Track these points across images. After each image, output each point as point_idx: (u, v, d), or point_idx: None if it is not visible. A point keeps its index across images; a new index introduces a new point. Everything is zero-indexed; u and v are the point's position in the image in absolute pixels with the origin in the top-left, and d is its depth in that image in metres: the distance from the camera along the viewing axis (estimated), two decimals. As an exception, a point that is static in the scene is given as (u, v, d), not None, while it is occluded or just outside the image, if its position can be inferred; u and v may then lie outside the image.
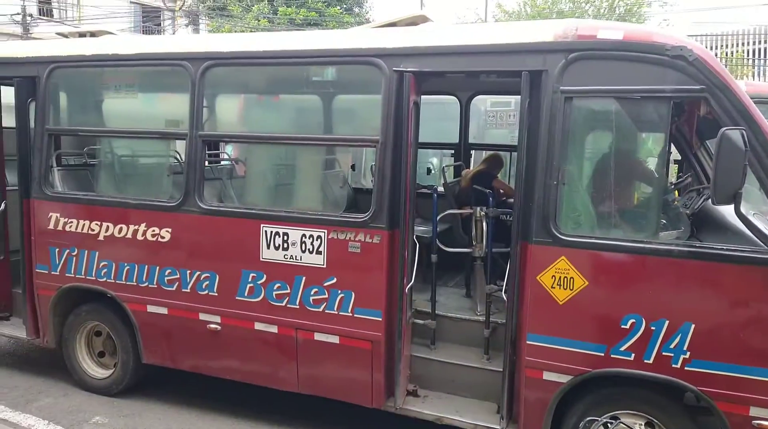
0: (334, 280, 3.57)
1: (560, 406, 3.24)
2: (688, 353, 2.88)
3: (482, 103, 7.32)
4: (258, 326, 3.81)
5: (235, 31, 17.14)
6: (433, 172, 6.45)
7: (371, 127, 3.61)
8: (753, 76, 17.66)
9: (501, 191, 4.97)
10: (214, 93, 4.37)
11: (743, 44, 18.39)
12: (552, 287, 3.14)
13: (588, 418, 2.46)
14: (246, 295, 3.81)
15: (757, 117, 2.76)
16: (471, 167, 5.62)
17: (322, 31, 4.99)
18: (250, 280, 3.79)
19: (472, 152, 5.95)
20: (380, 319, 3.51)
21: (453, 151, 5.69)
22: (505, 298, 3.41)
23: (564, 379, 3.17)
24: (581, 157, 3.25)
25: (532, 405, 3.27)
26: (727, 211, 2.90)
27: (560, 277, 3.11)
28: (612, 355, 3.04)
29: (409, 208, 3.45)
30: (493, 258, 3.94)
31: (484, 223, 3.86)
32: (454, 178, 5.41)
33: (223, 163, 5.70)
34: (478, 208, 3.91)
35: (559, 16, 18.13)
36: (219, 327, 3.91)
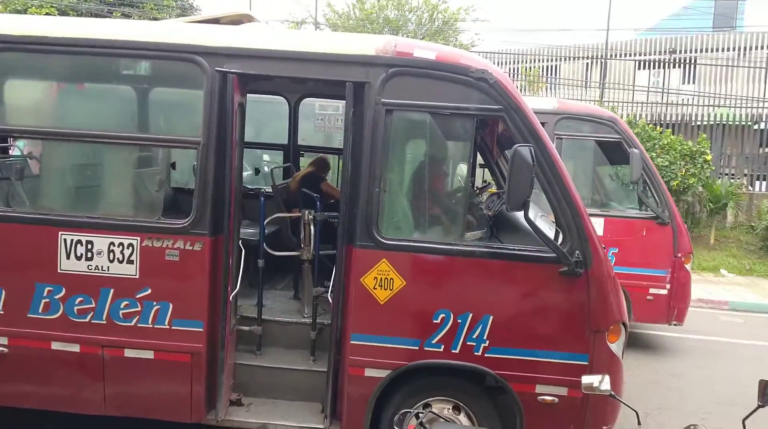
0: (149, 291, 3.36)
1: (380, 400, 3.45)
2: (488, 342, 3.28)
3: (314, 105, 7.43)
4: (55, 346, 3.43)
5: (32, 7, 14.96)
6: (267, 171, 6.36)
7: (192, 128, 3.47)
8: (547, 90, 20.44)
9: (329, 194, 5.11)
10: (3, 80, 3.82)
11: (539, 61, 21.20)
12: (374, 288, 3.33)
13: (402, 411, 2.69)
14: (40, 311, 3.41)
15: (543, 135, 3.24)
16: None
17: (140, 22, 4.60)
18: (45, 294, 3.40)
19: (303, 154, 6.02)
20: (201, 330, 3.39)
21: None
22: (330, 299, 3.53)
23: (383, 374, 3.38)
24: (400, 166, 3.50)
25: (355, 401, 3.43)
26: (521, 215, 3.37)
27: (381, 279, 3.31)
28: (425, 348, 3.33)
29: (234, 212, 3.39)
30: (321, 260, 4.05)
31: (312, 227, 3.95)
32: (283, 179, 5.42)
33: (11, 159, 4.98)
34: (306, 211, 3.99)
35: (386, 22, 19.06)
36: (5, 349, 3.46)
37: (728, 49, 17.58)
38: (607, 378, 2.31)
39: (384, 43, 3.33)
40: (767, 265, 12.21)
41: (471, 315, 3.28)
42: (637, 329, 6.80)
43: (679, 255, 6.31)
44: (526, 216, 3.07)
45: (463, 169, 3.50)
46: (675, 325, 6.50)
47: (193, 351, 3.39)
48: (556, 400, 3.28)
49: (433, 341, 3.32)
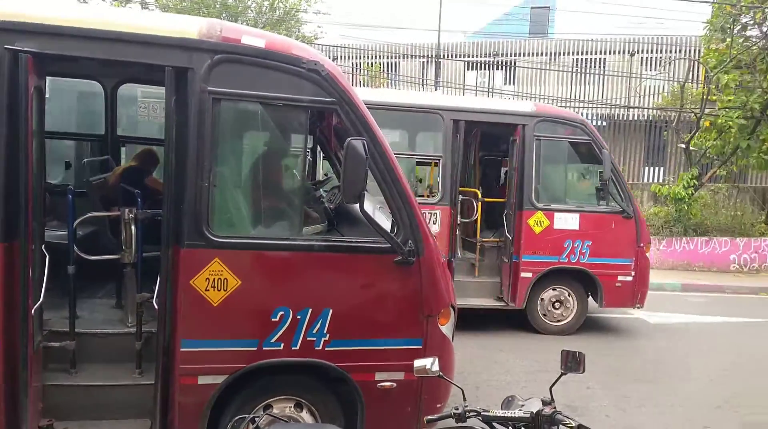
0: None
1: (219, 408, 3.27)
2: (328, 335, 3.26)
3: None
4: None
5: None
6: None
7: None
8: (387, 85, 21.17)
9: (156, 190, 4.70)
10: None
11: (380, 57, 21.87)
12: (206, 290, 3.12)
13: (237, 417, 2.56)
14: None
15: (375, 129, 3.29)
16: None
17: None
18: None
19: (124, 145, 5.47)
20: None
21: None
22: (156, 305, 3.24)
23: (219, 380, 3.20)
24: (231, 159, 3.33)
25: (188, 413, 3.20)
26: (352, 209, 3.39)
27: (214, 279, 3.12)
28: (264, 348, 3.22)
29: (32, 213, 2.94)
30: (147, 263, 3.70)
31: (133, 226, 3.59)
32: (102, 173, 4.87)
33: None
34: (126, 210, 3.61)
35: (223, 8, 18.21)
36: None
37: (542, 54, 19.71)
38: (436, 360, 2.40)
39: (208, 26, 3.11)
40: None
41: (311, 310, 3.23)
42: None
43: (641, 244, 7.04)
44: (361, 208, 3.09)
45: (298, 162, 3.42)
46: (638, 307, 7.26)
47: None
48: (394, 385, 3.38)
49: (272, 340, 3.22)
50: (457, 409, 2.22)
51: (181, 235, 3.09)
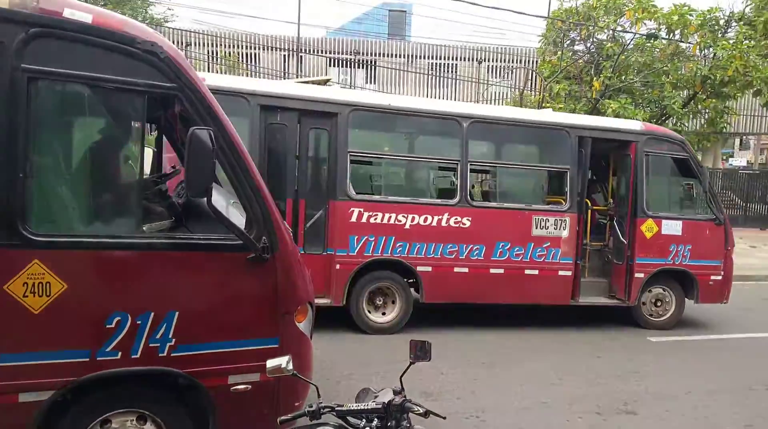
0: None
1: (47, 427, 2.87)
2: (174, 340, 3.00)
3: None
4: None
5: None
6: None
7: None
8: (247, 76, 20.43)
9: None
10: None
11: (238, 47, 21.02)
12: (24, 296, 2.71)
13: None
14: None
15: (222, 117, 3.08)
16: None
17: None
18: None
19: None
20: None
21: None
22: None
23: (44, 396, 2.81)
24: (53, 147, 2.91)
25: None
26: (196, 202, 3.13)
27: (34, 283, 2.72)
28: (98, 358, 2.88)
29: None
30: None
31: None
32: None
33: None
34: None
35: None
36: None
37: (400, 56, 20.36)
38: (290, 358, 2.35)
39: None
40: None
41: (153, 314, 2.94)
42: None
43: (728, 248, 8.03)
44: (209, 203, 2.88)
45: (135, 151, 3.09)
46: (724, 303, 8.15)
47: None
48: (250, 387, 3.20)
49: (108, 349, 2.89)
50: (311, 407, 2.20)
51: None
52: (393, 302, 7.01)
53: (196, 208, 3.54)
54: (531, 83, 18.83)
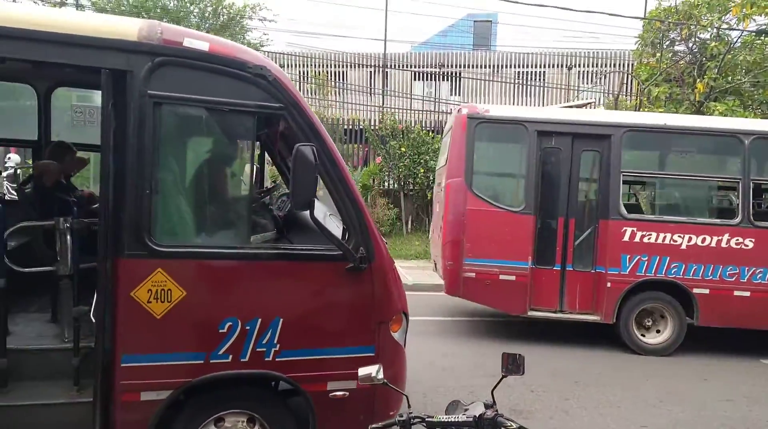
0: None
1: (164, 424, 3.14)
2: (278, 346, 3.19)
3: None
4: None
5: None
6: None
7: None
8: (334, 94, 21.15)
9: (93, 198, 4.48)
10: None
11: (326, 66, 21.83)
12: (148, 302, 3.00)
13: None
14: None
15: (324, 134, 3.26)
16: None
17: None
18: None
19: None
20: None
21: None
22: (94, 319, 3.08)
23: (163, 395, 3.08)
24: (174, 165, 3.20)
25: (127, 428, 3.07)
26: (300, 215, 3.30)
27: (157, 290, 3.00)
28: (211, 361, 3.12)
29: None
30: (84, 275, 3.52)
31: (69, 236, 3.40)
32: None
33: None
34: (61, 219, 3.42)
35: (164, 12, 17.72)
36: None
37: (485, 66, 20.23)
38: (381, 368, 2.39)
39: (148, 27, 3.01)
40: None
41: (260, 320, 3.15)
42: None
43: None
44: (311, 215, 3.05)
45: (245, 168, 3.33)
46: None
47: None
48: (347, 394, 3.33)
49: (220, 352, 3.12)
50: (402, 417, 2.21)
51: (121, 245, 2.97)
52: (662, 320, 7.04)
53: (295, 221, 3.75)
54: (626, 87, 18.01)
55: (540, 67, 20.08)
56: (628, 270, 6.74)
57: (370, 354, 3.35)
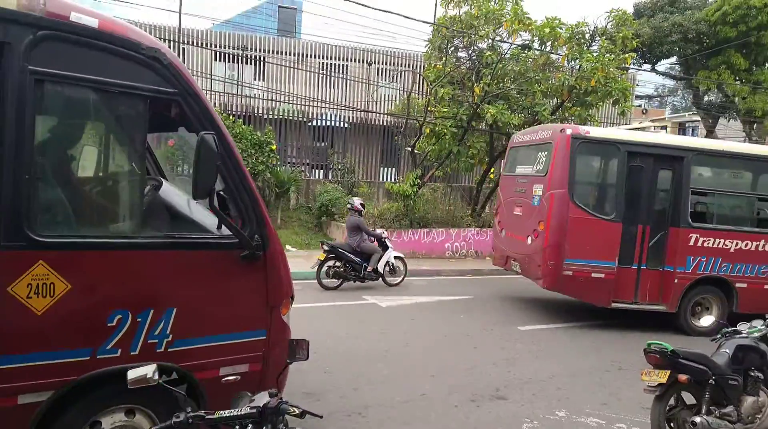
0: None
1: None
2: (171, 336, 3.24)
3: None
4: None
5: None
6: None
7: None
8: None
9: None
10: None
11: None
12: (28, 297, 2.83)
13: None
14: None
15: (219, 122, 3.36)
16: None
17: None
18: None
19: None
20: None
21: None
22: None
23: (43, 397, 2.94)
24: (58, 149, 3.03)
25: None
26: (180, 202, 3.32)
27: (38, 285, 2.84)
28: (99, 357, 3.06)
29: None
30: None
31: None
32: None
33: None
34: None
35: None
36: None
37: (290, 54, 20.47)
38: (156, 368, 2.41)
39: None
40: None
41: (152, 311, 3.17)
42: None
43: None
44: (211, 204, 3.16)
45: (136, 154, 3.24)
46: None
47: None
48: (239, 378, 3.52)
49: (108, 347, 3.07)
50: (179, 417, 2.18)
51: None
52: (707, 309, 8.84)
53: (167, 209, 3.73)
54: (418, 86, 19.97)
55: (343, 60, 21.04)
56: (691, 268, 8.56)
57: (262, 337, 3.58)
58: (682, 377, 4.35)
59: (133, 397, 3.25)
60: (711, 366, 4.47)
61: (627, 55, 16.07)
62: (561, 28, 15.27)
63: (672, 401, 4.58)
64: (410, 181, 14.85)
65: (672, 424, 4.57)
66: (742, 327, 5.01)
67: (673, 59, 27.62)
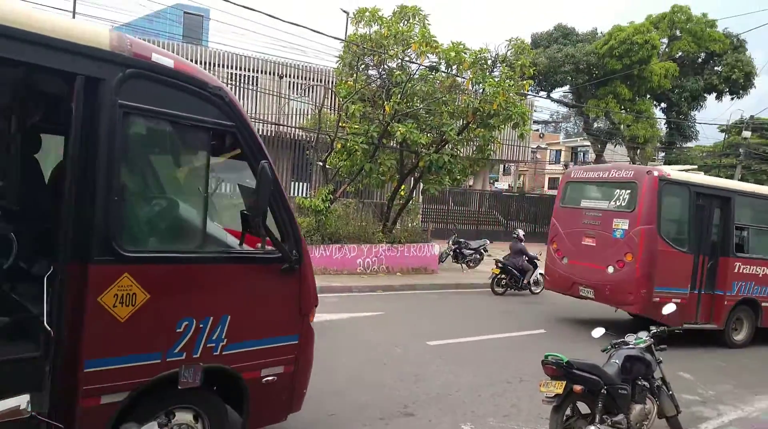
0: None
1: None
2: (225, 340, 3.89)
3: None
4: None
5: None
6: None
7: None
8: None
9: None
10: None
11: None
12: (114, 306, 3.37)
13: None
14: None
15: (266, 151, 4.06)
16: None
17: None
18: None
19: None
20: None
21: None
22: (50, 329, 3.24)
23: (122, 396, 3.48)
24: (140, 174, 3.59)
25: None
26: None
27: (123, 295, 3.40)
28: (168, 359, 3.65)
29: None
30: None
31: None
32: None
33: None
34: None
35: None
36: None
37: (198, 62, 20.39)
38: (29, 399, 2.96)
39: (118, 38, 3.41)
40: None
41: (212, 318, 3.80)
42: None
43: None
44: (264, 223, 3.87)
45: (201, 178, 3.84)
46: None
47: None
48: (276, 378, 4.22)
49: (176, 350, 3.67)
50: None
51: (88, 251, 3.27)
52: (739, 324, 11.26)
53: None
54: (330, 101, 20.82)
55: (253, 71, 21.36)
56: (735, 292, 10.84)
57: (295, 342, 4.32)
58: (577, 387, 4.75)
59: (191, 398, 3.88)
60: (603, 376, 4.92)
61: (525, 82, 18.05)
62: (465, 53, 16.78)
63: (568, 411, 4.98)
64: (322, 196, 15.50)
65: None
66: (630, 338, 5.60)
67: (566, 88, 31.32)
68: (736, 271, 10.98)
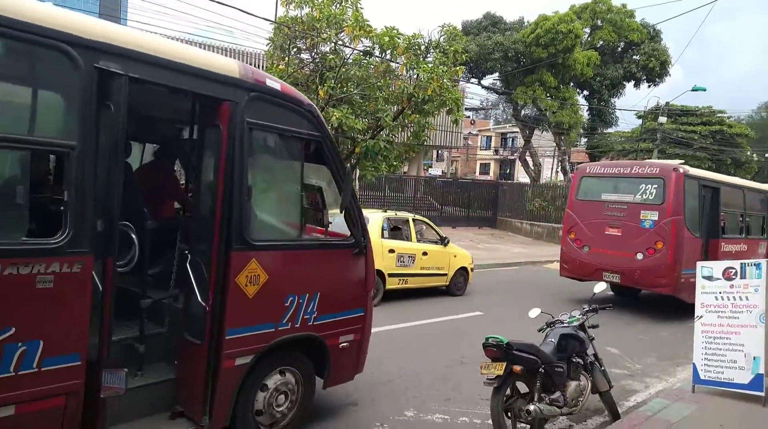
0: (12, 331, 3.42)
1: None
2: (316, 313, 5.22)
3: None
4: None
5: None
6: None
7: (59, 128, 3.73)
8: None
9: None
10: None
11: None
12: (245, 286, 4.63)
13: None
14: None
15: (341, 159, 5.42)
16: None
17: None
18: None
19: None
20: (79, 363, 3.72)
21: None
22: (204, 304, 4.47)
23: (248, 359, 4.75)
24: (260, 178, 4.86)
25: (224, 390, 4.60)
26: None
27: (251, 276, 4.66)
28: (279, 328, 4.94)
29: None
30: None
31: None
32: None
33: None
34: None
35: None
36: None
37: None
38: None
39: (242, 67, 4.64)
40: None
41: (308, 295, 5.13)
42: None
43: None
44: (346, 215, 5.29)
45: (300, 180, 5.11)
46: None
47: (69, 390, 3.72)
48: (348, 345, 5.63)
49: (284, 321, 4.97)
50: None
51: (230, 242, 4.52)
52: None
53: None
54: (261, 87, 21.40)
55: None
56: None
57: (362, 313, 5.75)
58: (517, 368, 5.17)
59: (290, 360, 5.19)
60: (540, 355, 5.35)
61: (458, 68, 19.61)
62: (399, 38, 17.85)
63: (509, 391, 5.38)
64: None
65: (509, 414, 5.35)
66: (564, 317, 6.23)
67: (496, 75, 34.00)
68: (721, 250, 14.21)
